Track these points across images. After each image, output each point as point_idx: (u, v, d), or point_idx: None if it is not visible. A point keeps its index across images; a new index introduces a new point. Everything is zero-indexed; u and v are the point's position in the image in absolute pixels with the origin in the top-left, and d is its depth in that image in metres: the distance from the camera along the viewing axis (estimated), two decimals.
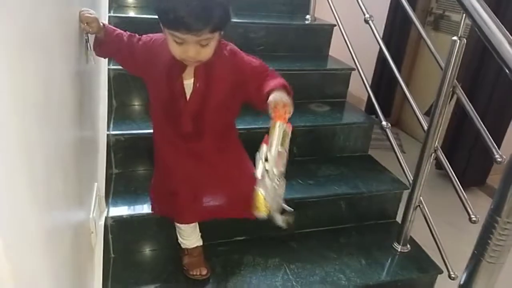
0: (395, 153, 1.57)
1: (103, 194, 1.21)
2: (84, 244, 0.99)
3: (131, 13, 1.92)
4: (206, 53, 0.92)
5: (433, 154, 1.34)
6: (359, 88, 1.92)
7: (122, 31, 1.06)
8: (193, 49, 0.90)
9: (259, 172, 0.86)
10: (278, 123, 0.88)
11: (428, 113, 1.33)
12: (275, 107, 0.88)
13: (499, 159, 1.13)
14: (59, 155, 0.74)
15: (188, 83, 1.01)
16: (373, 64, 3.12)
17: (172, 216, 1.23)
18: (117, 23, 1.71)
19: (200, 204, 1.18)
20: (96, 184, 1.15)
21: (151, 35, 1.05)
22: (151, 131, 1.52)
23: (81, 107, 1.00)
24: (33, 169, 0.55)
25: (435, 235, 1.37)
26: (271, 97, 0.91)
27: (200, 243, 1.28)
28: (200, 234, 1.28)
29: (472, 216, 1.20)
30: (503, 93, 2.23)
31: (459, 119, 2.42)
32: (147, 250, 1.37)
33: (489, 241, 1.08)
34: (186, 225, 1.23)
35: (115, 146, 1.44)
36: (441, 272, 1.40)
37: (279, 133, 0.87)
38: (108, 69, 1.55)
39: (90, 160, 1.13)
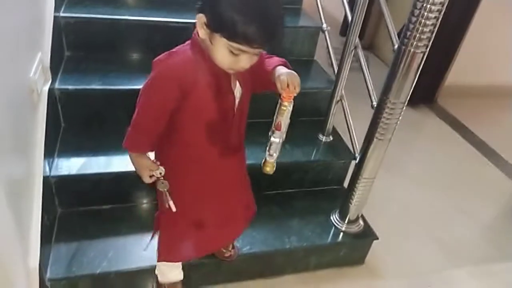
0: (329, 54, 1.69)
1: (48, 65, 1.34)
2: (25, 102, 1.14)
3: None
4: (255, 60, 0.85)
5: (353, 51, 1.47)
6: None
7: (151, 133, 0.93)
8: (248, 60, 0.82)
9: (274, 151, 0.94)
10: (288, 105, 0.88)
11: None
12: (287, 87, 0.86)
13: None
14: None
15: (237, 93, 0.93)
16: None
17: (191, 256, 1.16)
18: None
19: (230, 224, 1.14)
20: (40, 53, 1.28)
21: (161, 64, 0.86)
22: (102, 16, 1.61)
23: None
24: None
25: (349, 125, 1.55)
26: (282, 76, 0.87)
27: (181, 277, 1.21)
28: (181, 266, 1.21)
29: (374, 102, 1.36)
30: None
31: None
32: (95, 123, 1.54)
33: (379, 120, 1.26)
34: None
35: (65, 29, 1.55)
36: (354, 158, 1.60)
37: (287, 115, 0.89)
38: None
39: (32, 29, 1.25)
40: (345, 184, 1.70)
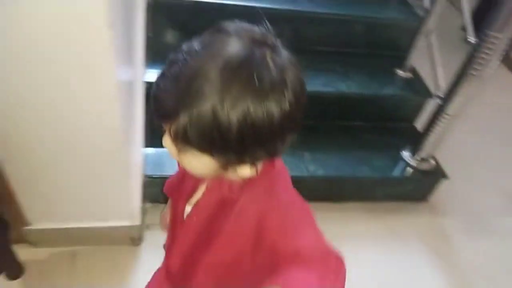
0: None
1: None
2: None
3: None
4: (185, 163, 0.57)
5: None
6: None
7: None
8: (168, 143, 0.55)
9: None
10: None
11: None
12: None
13: None
14: None
15: (185, 212, 0.69)
16: None
17: None
18: None
19: None
20: None
21: None
22: None
23: None
24: None
25: (435, 61, 1.50)
26: None
27: None
28: None
29: (469, 37, 1.29)
30: None
31: None
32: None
33: (477, 54, 1.22)
34: None
35: None
36: (431, 96, 1.57)
37: None
38: None
39: None
40: (416, 124, 1.69)
